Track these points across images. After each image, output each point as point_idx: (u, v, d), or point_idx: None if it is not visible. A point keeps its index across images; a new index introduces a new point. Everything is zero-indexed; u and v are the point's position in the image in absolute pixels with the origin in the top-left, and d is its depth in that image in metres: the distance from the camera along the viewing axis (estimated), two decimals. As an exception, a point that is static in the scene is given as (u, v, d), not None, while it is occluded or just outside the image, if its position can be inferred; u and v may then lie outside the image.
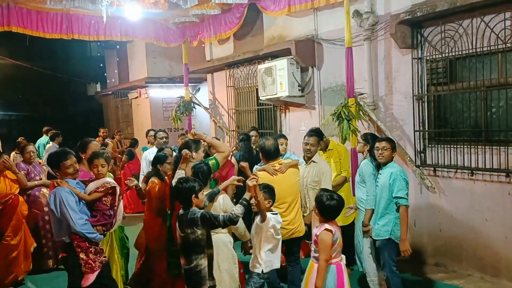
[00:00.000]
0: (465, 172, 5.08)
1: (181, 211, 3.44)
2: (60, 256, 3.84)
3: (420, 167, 5.46)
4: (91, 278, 3.74)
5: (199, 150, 4.23)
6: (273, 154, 4.24)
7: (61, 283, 5.05)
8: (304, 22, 6.99)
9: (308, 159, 4.85)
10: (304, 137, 4.96)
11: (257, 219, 3.75)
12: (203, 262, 3.35)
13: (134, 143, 9.57)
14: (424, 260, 5.56)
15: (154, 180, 4.51)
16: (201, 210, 3.38)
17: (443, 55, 5.19)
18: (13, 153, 7.88)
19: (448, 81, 5.21)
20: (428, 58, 5.36)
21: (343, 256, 3.41)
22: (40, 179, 5.80)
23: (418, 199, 5.54)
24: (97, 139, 9.31)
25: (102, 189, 3.96)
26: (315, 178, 4.74)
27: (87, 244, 3.78)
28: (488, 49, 4.76)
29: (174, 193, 3.62)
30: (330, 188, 4.40)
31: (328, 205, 3.29)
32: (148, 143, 7.98)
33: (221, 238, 3.85)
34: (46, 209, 5.73)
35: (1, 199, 5.18)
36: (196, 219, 3.29)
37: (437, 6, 4.87)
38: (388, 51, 5.75)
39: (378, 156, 4.26)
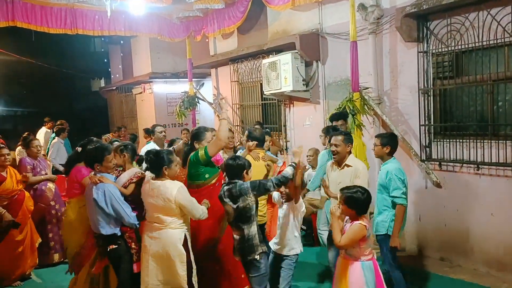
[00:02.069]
0: (471, 167, 5.05)
1: (226, 186, 3.66)
2: (109, 248, 3.89)
3: (426, 162, 5.44)
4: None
5: (203, 140, 4.24)
6: (260, 141, 4.58)
7: (67, 277, 5.09)
8: (309, 16, 6.96)
9: (337, 163, 4.27)
10: (331, 137, 4.48)
11: (291, 202, 3.92)
12: (254, 230, 3.62)
13: (134, 138, 9.44)
14: (429, 254, 5.55)
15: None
16: (248, 182, 3.65)
17: (449, 48, 5.15)
18: (18, 148, 7.90)
19: (454, 74, 5.17)
20: (434, 51, 5.32)
21: (374, 252, 3.40)
22: (46, 173, 5.84)
23: (423, 193, 5.52)
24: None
25: (136, 179, 4.08)
26: (351, 184, 4.02)
27: (134, 235, 4.01)
28: (495, 42, 4.72)
29: (226, 169, 3.76)
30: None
31: (363, 200, 3.25)
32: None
33: (171, 234, 3.74)
34: (52, 203, 5.82)
35: (7, 195, 5.20)
36: (247, 188, 3.57)
37: (443, -2, 4.83)
38: (393, 45, 5.71)
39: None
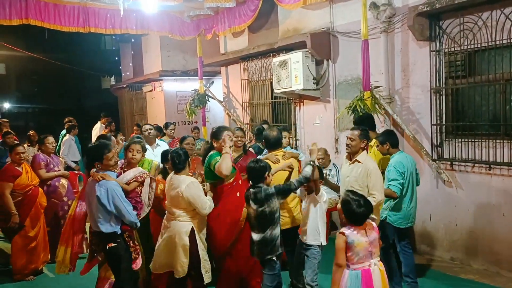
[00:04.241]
0: (482, 167, 5.02)
1: (252, 189, 3.81)
2: (108, 246, 3.85)
3: (437, 161, 5.42)
4: (140, 261, 4.09)
5: (220, 139, 4.24)
6: (273, 144, 4.49)
7: (79, 272, 5.16)
8: (320, 15, 6.95)
9: (349, 156, 4.28)
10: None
11: (312, 193, 4.03)
12: (277, 232, 3.80)
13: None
14: (439, 254, 5.54)
15: (158, 178, 4.62)
16: (272, 186, 3.81)
17: (462, 47, 5.13)
18: (24, 145, 7.98)
19: (467, 74, 5.15)
20: (446, 50, 5.29)
21: (374, 261, 3.18)
22: (59, 170, 5.92)
23: (434, 193, 5.51)
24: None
25: (141, 179, 4.22)
26: (359, 181, 4.07)
27: (133, 233, 4.09)
28: (508, 41, 4.68)
29: (247, 173, 3.89)
30: (380, 193, 4.05)
31: (352, 209, 3.13)
32: (165, 136, 7.96)
33: (179, 225, 3.99)
34: (65, 199, 5.87)
35: (21, 190, 5.29)
36: (272, 193, 3.73)
37: (456, -3, 4.82)
38: (405, 44, 5.69)
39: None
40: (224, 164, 4.03)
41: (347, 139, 4.24)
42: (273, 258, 3.81)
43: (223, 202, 4.15)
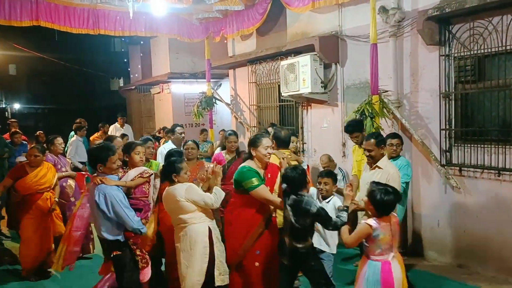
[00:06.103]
0: (491, 173, 4.97)
1: (293, 196, 3.56)
2: (113, 254, 3.69)
3: (445, 167, 5.38)
4: (148, 271, 3.86)
5: (259, 147, 4.07)
6: (283, 142, 4.44)
7: (85, 272, 5.18)
8: (328, 18, 6.94)
9: (370, 165, 4.28)
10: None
11: (332, 203, 4.01)
12: (309, 244, 3.60)
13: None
14: (447, 261, 5.48)
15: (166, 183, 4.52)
16: (317, 205, 3.55)
17: (472, 52, 5.09)
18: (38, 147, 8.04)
19: (476, 79, 5.11)
20: (456, 55, 5.26)
21: (394, 254, 3.26)
22: (66, 170, 5.96)
23: (443, 198, 5.46)
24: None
25: (147, 174, 4.10)
26: None
27: (139, 240, 3.84)
28: (519, 46, 4.65)
29: (286, 180, 3.63)
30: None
31: (379, 199, 3.19)
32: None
33: (196, 228, 3.87)
34: (72, 199, 5.90)
35: (22, 192, 5.26)
36: (310, 212, 3.47)
37: (467, 2, 4.78)
38: (414, 48, 5.66)
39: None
40: (272, 197, 3.88)
41: (365, 151, 4.18)
42: (312, 264, 3.66)
43: (239, 210, 4.03)
